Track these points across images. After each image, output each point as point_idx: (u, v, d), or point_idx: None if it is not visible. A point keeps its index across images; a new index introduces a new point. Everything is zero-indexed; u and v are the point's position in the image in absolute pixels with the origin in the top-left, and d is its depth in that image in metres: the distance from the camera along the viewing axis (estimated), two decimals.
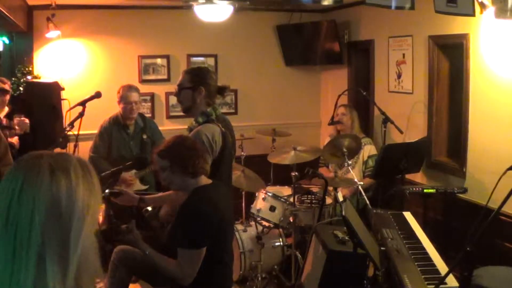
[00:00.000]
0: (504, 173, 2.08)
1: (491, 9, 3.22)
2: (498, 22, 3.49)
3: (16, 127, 4.02)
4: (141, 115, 4.65)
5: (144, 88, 5.42)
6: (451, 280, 2.31)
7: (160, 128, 4.84)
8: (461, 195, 3.98)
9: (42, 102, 4.61)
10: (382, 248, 2.68)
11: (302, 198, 4.44)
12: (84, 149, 4.35)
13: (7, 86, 4.23)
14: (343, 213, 2.54)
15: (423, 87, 4.65)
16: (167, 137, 4.68)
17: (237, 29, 5.82)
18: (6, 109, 4.24)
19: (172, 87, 5.63)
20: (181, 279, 2.60)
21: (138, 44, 5.62)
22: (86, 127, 3.97)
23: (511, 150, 3.68)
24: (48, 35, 5.09)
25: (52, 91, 4.76)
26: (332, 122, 4.86)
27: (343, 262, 2.92)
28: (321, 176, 4.14)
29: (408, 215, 3.19)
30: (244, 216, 4.72)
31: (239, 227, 4.43)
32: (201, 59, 5.90)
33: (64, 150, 4.32)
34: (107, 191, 3.14)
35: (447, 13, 3.23)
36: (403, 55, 4.88)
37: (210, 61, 5.92)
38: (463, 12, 3.20)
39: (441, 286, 2.19)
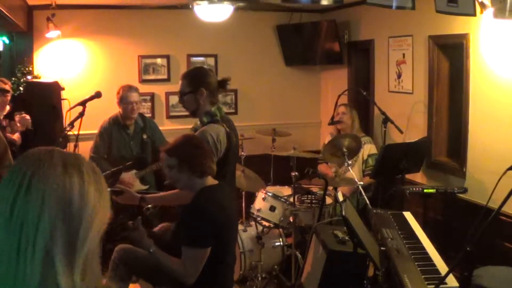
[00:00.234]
0: (504, 173, 2.08)
1: (491, 9, 3.21)
2: (498, 22, 3.49)
3: (18, 124, 4.03)
4: (141, 115, 4.65)
5: (144, 88, 5.43)
6: (451, 280, 2.31)
7: (160, 128, 4.84)
8: (461, 195, 3.98)
9: (42, 102, 4.61)
10: (382, 248, 2.68)
11: (302, 198, 4.44)
12: (84, 149, 4.35)
13: (7, 87, 4.23)
14: (343, 213, 2.54)
15: (423, 87, 4.65)
16: (167, 137, 4.74)
17: (237, 29, 5.82)
18: (7, 108, 4.24)
19: (172, 87, 5.72)
20: (183, 278, 2.60)
21: (138, 44, 5.62)
22: (86, 127, 3.97)
23: (511, 150, 3.68)
24: (48, 35, 5.09)
25: (52, 91, 4.76)
26: (332, 122, 4.86)
27: (343, 262, 2.92)
28: (321, 176, 4.15)
29: (408, 215, 3.19)
30: (244, 216, 4.73)
31: (239, 227, 4.42)
32: (201, 59, 5.90)
33: (64, 150, 4.32)
34: (108, 189, 3.13)
35: (448, 13, 3.22)
36: (403, 55, 4.88)
37: (210, 61, 5.92)
38: (464, 12, 3.20)
39: (441, 286, 2.19)
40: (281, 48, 6.17)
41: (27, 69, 5.05)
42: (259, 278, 4.17)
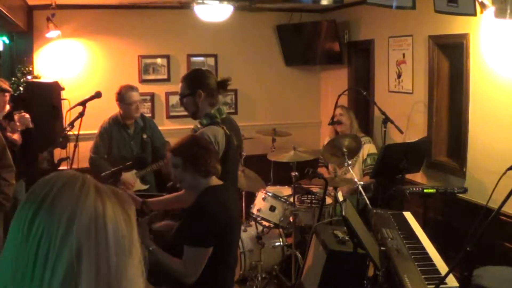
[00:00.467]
0: (504, 173, 2.08)
1: (491, 9, 3.21)
2: (498, 22, 3.49)
3: (18, 123, 4.03)
4: (141, 115, 4.65)
5: (144, 88, 5.43)
6: (451, 280, 2.31)
7: (160, 128, 4.84)
8: (461, 195, 3.98)
9: (42, 102, 4.61)
10: (382, 248, 2.68)
11: (302, 198, 4.44)
12: (84, 149, 4.35)
13: (7, 86, 4.23)
14: (343, 213, 2.54)
15: (423, 87, 4.65)
16: (167, 137, 4.74)
17: (237, 29, 5.82)
18: (7, 107, 4.24)
19: (172, 87, 5.72)
20: (183, 278, 2.60)
21: (138, 44, 5.62)
22: (86, 127, 3.97)
23: (511, 150, 3.68)
24: (48, 35, 5.09)
25: (52, 91, 4.76)
26: (332, 122, 4.87)
27: (343, 262, 2.92)
28: (321, 176, 4.15)
29: (408, 215, 3.19)
30: (244, 216, 4.73)
31: None
32: (201, 59, 5.90)
33: (64, 150, 4.32)
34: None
35: (447, 13, 3.22)
36: (403, 55, 4.88)
37: (210, 61, 5.92)
38: (464, 12, 3.20)
39: (441, 286, 2.19)
40: (281, 48, 6.17)
41: (27, 69, 5.05)
42: (259, 278, 4.17)
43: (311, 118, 6.45)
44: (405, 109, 4.87)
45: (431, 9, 3.18)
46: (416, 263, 2.51)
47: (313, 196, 4.46)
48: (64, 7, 5.06)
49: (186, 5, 5.14)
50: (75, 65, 5.42)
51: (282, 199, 4.34)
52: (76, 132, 3.77)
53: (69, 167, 4.08)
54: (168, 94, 5.75)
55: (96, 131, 4.51)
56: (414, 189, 3.93)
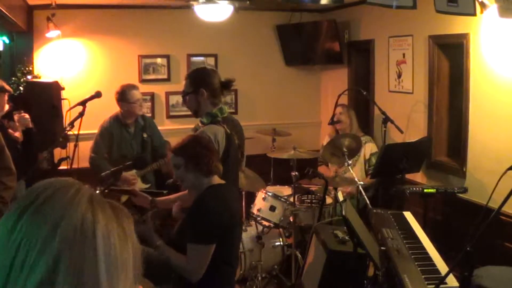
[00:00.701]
0: (504, 173, 2.08)
1: (491, 9, 3.21)
2: (498, 22, 3.49)
3: (17, 124, 4.02)
4: (141, 114, 4.65)
5: (144, 88, 5.42)
6: (451, 280, 2.31)
7: (160, 128, 4.84)
8: (461, 195, 3.98)
9: (42, 101, 4.61)
10: (382, 248, 2.68)
11: (302, 198, 4.44)
12: (84, 149, 4.35)
13: (5, 85, 4.22)
14: (343, 213, 2.54)
15: (423, 87, 4.65)
16: (167, 136, 4.74)
17: (237, 29, 5.82)
18: (7, 107, 4.24)
19: (172, 87, 5.72)
20: (188, 275, 2.60)
21: (138, 44, 5.62)
22: (86, 127, 3.97)
23: (511, 150, 3.68)
24: (48, 35, 5.10)
25: (52, 91, 4.76)
26: (332, 122, 4.87)
27: (343, 262, 2.92)
28: (321, 176, 4.15)
29: (408, 215, 3.19)
30: (244, 216, 4.72)
31: None
32: (201, 59, 5.90)
33: (64, 150, 4.32)
34: (109, 188, 3.16)
35: (448, 12, 3.22)
36: (403, 55, 4.88)
37: (210, 61, 5.92)
38: (464, 12, 3.20)
39: (441, 286, 2.19)
40: (281, 48, 6.17)
41: (27, 69, 5.05)
42: (259, 278, 4.17)
43: (311, 118, 6.45)
44: (405, 109, 4.88)
45: (431, 9, 3.18)
46: (416, 263, 2.51)
47: (313, 196, 4.46)
48: (64, 7, 5.06)
49: (186, 5, 5.14)
50: (75, 65, 5.42)
51: (282, 199, 4.34)
52: (76, 132, 3.77)
53: (69, 167, 4.08)
54: (168, 94, 5.75)
55: (96, 131, 4.51)
56: (414, 189, 3.93)
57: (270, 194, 4.37)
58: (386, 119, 4.46)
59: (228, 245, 2.69)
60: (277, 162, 5.11)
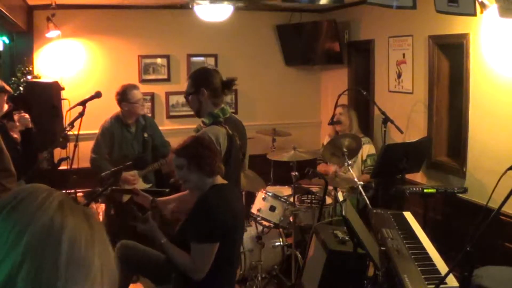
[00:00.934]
0: (504, 173, 2.08)
1: (491, 9, 3.21)
2: (498, 22, 3.49)
3: (17, 124, 4.02)
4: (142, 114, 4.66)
5: (144, 88, 5.42)
6: (451, 280, 2.31)
7: (160, 128, 4.84)
8: (461, 195, 3.98)
9: (42, 101, 4.61)
10: (382, 248, 2.68)
11: (302, 198, 4.44)
12: (84, 149, 4.35)
13: (4, 85, 4.22)
14: (343, 213, 2.54)
15: (423, 87, 4.65)
16: (167, 136, 4.74)
17: (237, 29, 5.82)
18: (6, 107, 4.24)
19: (172, 87, 5.73)
20: (192, 273, 2.61)
21: (138, 44, 5.62)
22: (86, 127, 3.97)
23: (511, 149, 3.68)
24: (48, 35, 5.10)
25: (52, 91, 4.76)
26: (332, 122, 4.87)
27: (343, 262, 2.92)
28: (321, 176, 4.15)
29: (408, 215, 3.19)
30: (244, 216, 4.72)
31: None
32: (201, 59, 5.90)
33: (64, 150, 4.33)
34: (111, 188, 3.18)
35: (448, 13, 3.22)
36: (403, 55, 4.88)
37: (210, 61, 5.92)
38: (464, 12, 3.19)
39: (441, 286, 2.19)
40: (281, 48, 6.17)
41: (27, 69, 5.05)
42: (259, 278, 4.16)
43: (311, 118, 6.45)
44: (405, 109, 4.88)
45: (431, 9, 3.18)
46: (416, 263, 2.51)
47: (313, 196, 4.46)
48: (64, 7, 5.06)
49: (186, 5, 5.14)
50: (75, 65, 5.42)
51: (282, 199, 4.34)
52: (76, 132, 3.77)
53: (69, 167, 4.08)
54: (168, 94, 5.75)
55: (96, 131, 4.51)
56: (414, 189, 3.93)
57: (270, 194, 4.37)
58: (386, 119, 4.46)
59: (230, 245, 2.70)
60: (277, 162, 5.11)
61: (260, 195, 4.43)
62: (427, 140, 4.51)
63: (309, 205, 4.37)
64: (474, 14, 3.22)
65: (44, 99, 4.64)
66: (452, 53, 4.38)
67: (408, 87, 4.85)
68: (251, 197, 4.67)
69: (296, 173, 4.17)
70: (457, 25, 4.06)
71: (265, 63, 6.14)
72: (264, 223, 4.35)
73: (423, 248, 2.74)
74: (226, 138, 2.96)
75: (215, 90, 3.06)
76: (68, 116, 4.14)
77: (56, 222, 0.82)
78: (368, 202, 3.98)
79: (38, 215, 0.81)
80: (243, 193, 4.62)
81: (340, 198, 4.37)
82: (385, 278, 2.64)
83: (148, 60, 5.70)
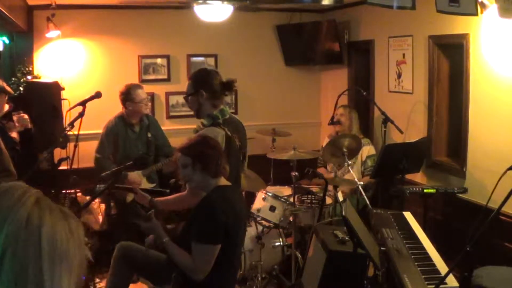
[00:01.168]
0: (504, 173, 2.08)
1: (491, 9, 3.21)
2: (498, 22, 3.49)
3: (17, 124, 4.02)
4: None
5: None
6: (451, 280, 2.31)
7: None
8: (461, 195, 3.98)
9: (42, 102, 4.61)
10: (382, 248, 2.68)
11: (302, 198, 4.44)
12: (84, 149, 4.34)
13: (5, 86, 4.22)
14: (343, 213, 2.54)
15: (423, 87, 4.65)
16: (167, 136, 4.73)
17: (237, 29, 5.82)
18: (6, 107, 4.24)
19: (172, 87, 5.72)
20: (193, 273, 2.61)
21: (138, 44, 5.62)
22: (86, 127, 3.96)
23: (511, 150, 3.67)
24: (48, 35, 5.10)
25: (52, 91, 4.76)
26: (332, 122, 4.87)
27: (343, 262, 2.92)
28: (321, 176, 4.15)
29: (408, 215, 3.19)
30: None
31: None
32: (201, 59, 5.90)
33: (64, 150, 4.32)
34: (110, 185, 3.18)
35: (449, 12, 3.21)
36: (403, 55, 4.88)
37: (210, 61, 5.92)
38: (466, 12, 3.18)
39: (441, 286, 2.19)
40: (281, 48, 6.17)
41: (27, 69, 5.05)
42: (259, 278, 4.16)
43: (311, 118, 6.45)
44: (405, 109, 4.87)
45: (431, 9, 3.17)
46: (416, 263, 2.51)
47: (313, 196, 4.46)
48: (64, 7, 5.06)
49: (186, 5, 5.14)
50: (75, 65, 5.42)
51: (282, 199, 4.34)
52: (76, 132, 3.76)
53: (69, 167, 4.08)
54: (168, 94, 5.75)
55: (96, 131, 4.51)
56: (414, 189, 3.94)
57: (270, 194, 4.37)
58: (386, 119, 4.46)
59: (232, 247, 2.70)
60: (277, 162, 5.11)
61: (260, 195, 4.43)
62: (427, 140, 4.51)
63: (309, 205, 4.37)
64: (476, 14, 3.22)
65: (44, 99, 4.64)
66: (452, 53, 4.38)
67: (408, 87, 4.85)
68: (251, 197, 4.67)
69: (296, 173, 4.17)
70: (457, 25, 4.06)
71: (265, 63, 6.14)
72: (264, 223, 4.35)
73: (423, 248, 2.74)
74: (224, 140, 2.96)
75: (214, 92, 3.06)
76: (68, 116, 4.13)
77: (33, 217, 0.86)
78: (368, 202, 3.98)
79: (15, 210, 0.86)
80: (243, 193, 4.62)
81: (340, 198, 4.37)
82: (385, 278, 2.64)
83: (148, 60, 5.70)
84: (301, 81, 6.36)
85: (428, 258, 2.62)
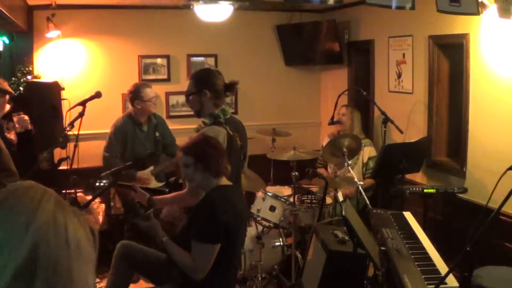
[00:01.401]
0: (504, 173, 2.08)
1: (491, 9, 3.21)
2: (499, 22, 3.48)
3: (17, 125, 4.02)
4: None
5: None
6: (451, 280, 2.32)
7: None
8: (461, 195, 3.98)
9: (42, 102, 4.61)
10: (382, 248, 2.68)
11: (302, 198, 4.44)
12: (84, 149, 4.35)
13: (6, 86, 4.22)
14: (343, 213, 2.54)
15: (423, 87, 4.65)
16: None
17: (237, 29, 5.82)
18: (7, 107, 4.24)
19: (172, 87, 5.73)
20: (193, 273, 2.61)
21: (138, 44, 5.62)
22: (86, 127, 3.97)
23: (511, 150, 3.68)
24: (48, 35, 5.09)
25: (52, 91, 4.76)
26: (332, 122, 4.86)
27: (343, 262, 2.92)
28: (321, 176, 4.15)
29: (408, 215, 3.19)
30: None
31: None
32: (201, 59, 5.90)
33: (64, 150, 4.33)
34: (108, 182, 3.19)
35: (450, 12, 3.20)
36: (403, 55, 4.88)
37: (210, 61, 5.92)
38: (466, 11, 3.17)
39: (441, 286, 2.19)
40: (281, 48, 6.16)
41: (27, 69, 5.05)
42: (259, 278, 4.16)
43: (311, 118, 6.45)
44: (405, 109, 4.87)
45: (431, 9, 3.17)
46: (416, 263, 2.51)
47: (313, 196, 4.46)
48: (64, 7, 5.06)
49: (186, 5, 5.13)
50: (75, 65, 5.42)
51: (282, 199, 4.34)
52: (76, 132, 3.77)
53: (69, 167, 4.08)
54: (168, 94, 5.75)
55: (96, 131, 4.52)
56: (414, 189, 3.93)
57: (270, 194, 4.38)
58: (386, 119, 4.46)
59: (232, 246, 2.70)
60: (277, 162, 5.11)
61: (260, 195, 4.43)
62: (426, 140, 4.51)
63: (309, 205, 4.37)
64: (477, 14, 3.20)
65: (44, 99, 4.64)
66: (452, 53, 4.38)
67: (408, 87, 4.85)
68: (251, 197, 4.67)
69: (296, 173, 4.17)
70: (457, 25, 4.06)
71: (265, 63, 6.14)
72: (264, 223, 4.36)
73: (423, 248, 2.74)
74: (226, 139, 2.96)
75: (217, 92, 3.06)
76: (68, 116, 4.14)
77: (59, 214, 0.87)
78: (368, 202, 3.98)
79: (41, 207, 0.86)
80: (243, 193, 4.62)
81: (340, 198, 4.37)
82: (385, 278, 2.65)
83: (148, 60, 5.70)
84: (301, 81, 6.36)
85: (428, 258, 2.62)
